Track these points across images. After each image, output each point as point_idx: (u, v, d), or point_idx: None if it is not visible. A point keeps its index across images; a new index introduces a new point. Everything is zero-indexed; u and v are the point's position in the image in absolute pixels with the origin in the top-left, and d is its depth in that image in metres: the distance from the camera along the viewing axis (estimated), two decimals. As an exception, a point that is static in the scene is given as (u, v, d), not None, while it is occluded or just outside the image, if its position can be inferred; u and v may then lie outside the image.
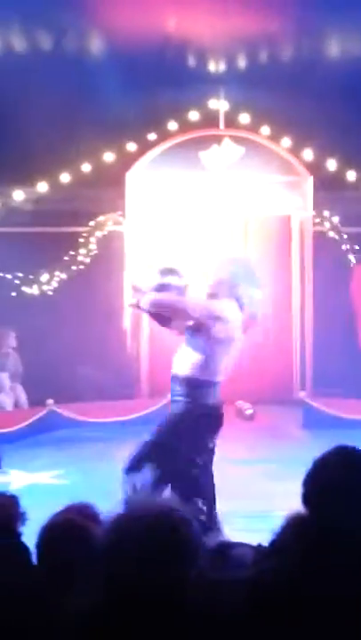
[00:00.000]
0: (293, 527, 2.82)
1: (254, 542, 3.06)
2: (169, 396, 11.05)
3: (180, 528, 2.20)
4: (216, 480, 7.66)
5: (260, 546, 3.02)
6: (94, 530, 3.09)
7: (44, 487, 8.08)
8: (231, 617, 2.32)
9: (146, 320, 12.23)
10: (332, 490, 2.93)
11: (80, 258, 12.30)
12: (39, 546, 3.08)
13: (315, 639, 2.48)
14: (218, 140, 12.28)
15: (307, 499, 2.97)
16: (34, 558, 3.08)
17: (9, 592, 2.57)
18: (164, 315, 6.19)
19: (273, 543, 2.81)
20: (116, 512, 2.32)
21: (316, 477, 3.02)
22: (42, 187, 12.38)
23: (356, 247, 12.53)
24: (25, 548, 2.97)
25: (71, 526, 3.08)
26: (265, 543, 2.86)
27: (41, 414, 10.66)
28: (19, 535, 3.19)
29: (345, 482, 2.97)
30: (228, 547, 3.03)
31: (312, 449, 2.93)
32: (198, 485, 6.12)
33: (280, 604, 2.32)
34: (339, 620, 2.50)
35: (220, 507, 7.09)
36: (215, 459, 9.19)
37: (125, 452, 9.61)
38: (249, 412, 11.65)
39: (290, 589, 2.52)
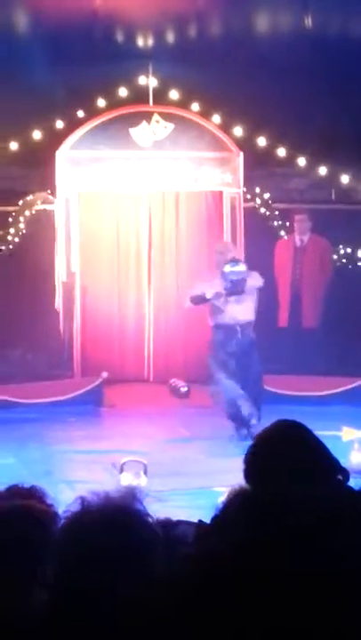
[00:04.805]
0: (236, 502, 2.77)
1: (195, 519, 3.02)
2: (104, 374, 11.14)
3: (138, 525, 2.11)
4: (154, 458, 7.65)
5: (201, 522, 2.97)
6: (50, 514, 2.98)
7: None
8: (173, 597, 2.24)
9: (79, 300, 12.12)
10: (273, 464, 2.90)
11: (9, 237, 12.08)
12: None
13: (259, 615, 2.43)
14: (147, 116, 12.16)
15: (248, 474, 2.94)
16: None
17: None
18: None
19: (215, 519, 2.76)
20: (72, 509, 2.21)
21: (256, 452, 2.99)
22: (-32, 165, 12.16)
23: (287, 223, 12.54)
24: None
25: (27, 511, 2.95)
26: (206, 520, 2.81)
27: (-28, 396, 10.51)
28: None
29: (285, 455, 2.94)
30: (169, 525, 2.97)
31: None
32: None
33: (223, 580, 2.26)
34: (283, 594, 2.46)
35: (160, 485, 7.09)
36: (152, 438, 9.22)
37: (58, 432, 9.60)
38: (184, 389, 11.62)
39: (232, 565, 2.47)
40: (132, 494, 2.17)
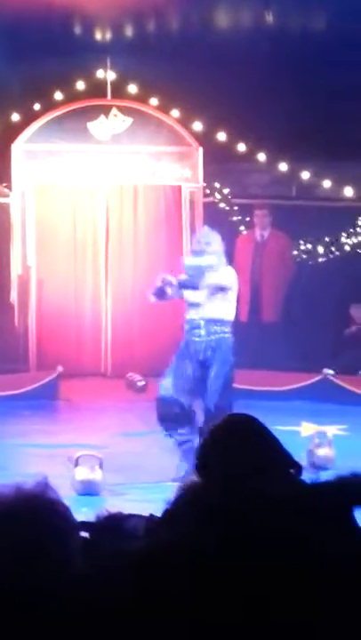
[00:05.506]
0: (187, 496, 2.76)
1: (147, 513, 3.01)
2: (59, 368, 10.98)
3: (49, 514, 2.07)
4: (110, 452, 7.62)
5: (152, 516, 2.96)
6: None
7: None
8: (119, 593, 2.21)
9: (34, 293, 12.03)
10: (224, 458, 2.89)
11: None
12: None
13: (206, 609, 2.42)
14: (105, 110, 12.10)
15: (199, 468, 2.93)
16: None
17: None
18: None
19: (166, 513, 2.74)
20: None
21: (208, 447, 2.98)
22: None
23: (248, 218, 12.54)
24: None
25: None
26: (158, 514, 2.80)
27: None
28: None
29: (236, 449, 2.93)
30: (120, 519, 2.96)
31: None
32: None
33: (171, 573, 2.24)
34: (230, 588, 2.45)
35: (115, 479, 7.06)
36: (108, 431, 9.17)
37: (12, 426, 9.52)
38: (141, 383, 11.58)
39: (180, 558, 2.45)
40: (43, 484, 2.14)
